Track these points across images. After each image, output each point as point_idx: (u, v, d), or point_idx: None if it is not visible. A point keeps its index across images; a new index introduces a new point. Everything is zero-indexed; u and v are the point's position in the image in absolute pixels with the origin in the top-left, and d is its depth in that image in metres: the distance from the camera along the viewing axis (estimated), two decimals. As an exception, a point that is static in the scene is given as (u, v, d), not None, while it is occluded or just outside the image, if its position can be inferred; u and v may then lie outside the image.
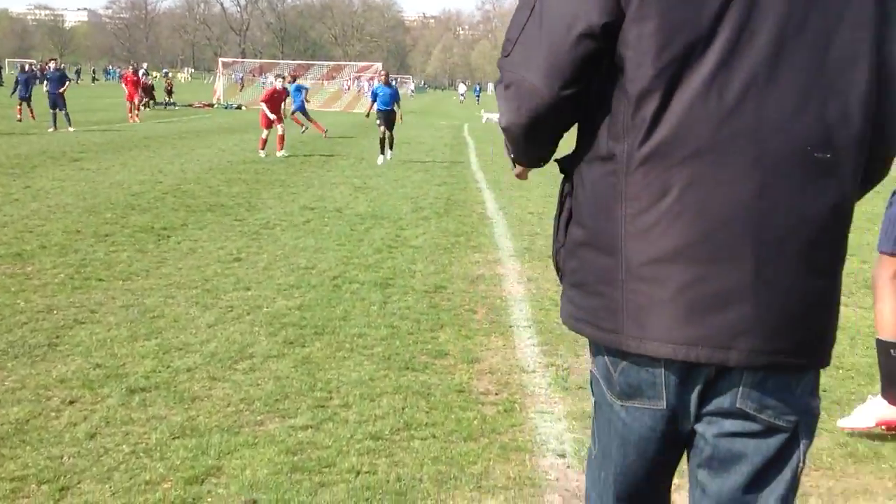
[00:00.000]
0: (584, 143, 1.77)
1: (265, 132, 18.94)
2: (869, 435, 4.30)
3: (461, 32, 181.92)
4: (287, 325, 5.91)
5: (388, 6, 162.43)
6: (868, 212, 12.94)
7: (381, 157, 18.13)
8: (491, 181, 15.60)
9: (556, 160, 1.89)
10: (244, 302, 6.52)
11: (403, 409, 4.48)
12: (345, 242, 9.17)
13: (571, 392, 4.82)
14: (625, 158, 1.65)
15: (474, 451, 3.99)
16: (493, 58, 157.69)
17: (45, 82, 26.92)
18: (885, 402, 4.28)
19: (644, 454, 1.81)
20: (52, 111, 24.01)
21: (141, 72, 39.49)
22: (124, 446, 3.91)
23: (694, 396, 1.71)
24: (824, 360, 1.74)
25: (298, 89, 26.17)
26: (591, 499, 1.96)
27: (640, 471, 1.84)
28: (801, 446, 1.74)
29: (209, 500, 3.45)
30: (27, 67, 32.76)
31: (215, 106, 45.68)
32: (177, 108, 41.86)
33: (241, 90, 56.87)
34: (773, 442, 1.72)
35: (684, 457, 1.87)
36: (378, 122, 18.51)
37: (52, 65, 27.49)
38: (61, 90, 24.41)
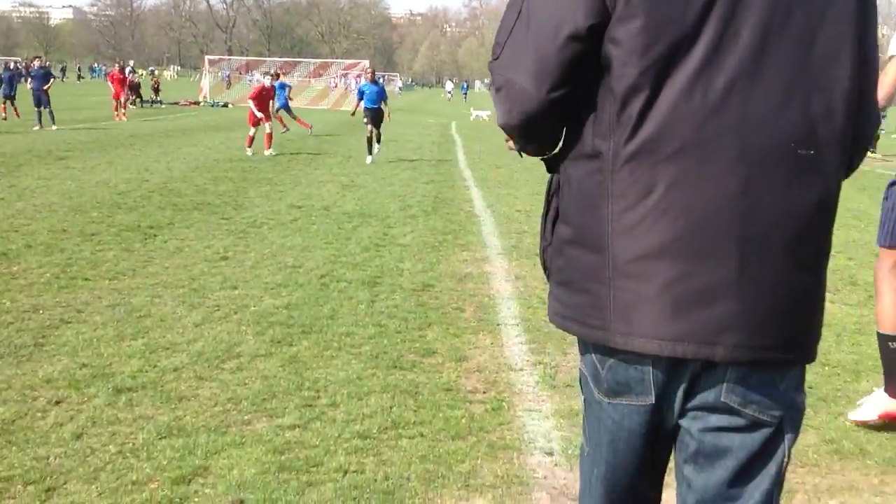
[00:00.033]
0: (570, 141, 1.77)
1: (252, 130, 18.89)
2: (854, 431, 4.32)
3: (448, 29, 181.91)
4: (274, 324, 5.90)
5: (374, 3, 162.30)
6: (854, 209, 13.02)
7: (369, 157, 18.03)
8: (479, 179, 15.60)
9: (542, 159, 1.89)
10: (231, 301, 6.51)
11: (391, 407, 4.48)
12: (332, 241, 9.16)
13: (559, 390, 4.83)
14: (611, 156, 1.66)
15: (462, 449, 3.99)
16: (480, 55, 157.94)
17: (30, 80, 26.78)
18: (886, 395, 4.35)
19: (635, 450, 1.82)
20: (36, 109, 23.89)
21: (127, 70, 39.27)
22: (111, 446, 3.90)
23: (680, 392, 1.73)
24: (810, 356, 1.76)
25: (282, 87, 26.08)
26: (584, 495, 1.96)
27: (630, 467, 1.85)
28: (787, 441, 1.75)
29: (196, 500, 3.44)
30: (11, 65, 32.59)
31: (201, 104, 45.51)
32: (163, 106, 41.69)
33: (227, 88, 56.67)
34: (758, 436, 1.73)
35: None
36: (365, 120, 18.36)
37: (36, 63, 27.33)
38: (46, 87, 24.29)
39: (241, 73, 68.70)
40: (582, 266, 1.73)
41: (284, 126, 25.28)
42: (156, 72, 53.44)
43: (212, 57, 63.39)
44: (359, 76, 48.98)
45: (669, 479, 1.90)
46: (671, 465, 1.91)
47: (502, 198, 13.12)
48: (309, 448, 3.94)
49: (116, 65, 39.73)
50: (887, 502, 3.63)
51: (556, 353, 5.46)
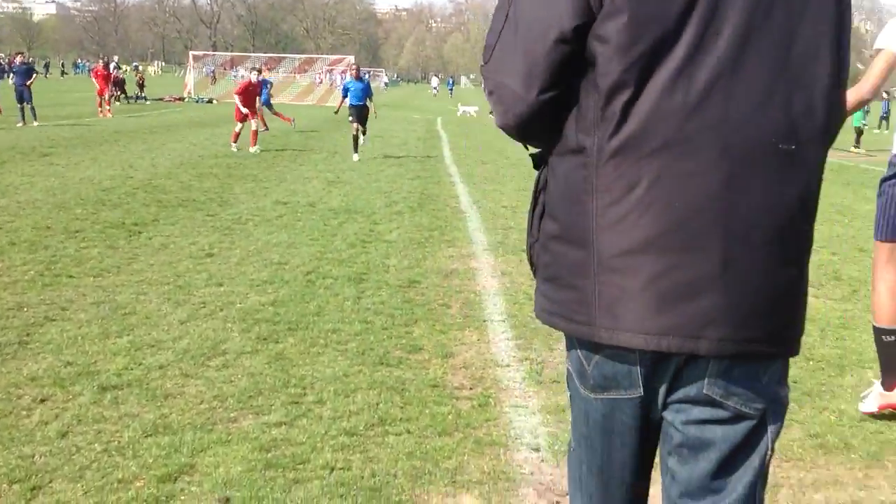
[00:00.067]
0: (556, 136, 1.78)
1: (239, 126, 18.83)
2: (839, 426, 4.35)
3: (433, 25, 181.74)
4: (260, 321, 5.89)
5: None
6: (838, 204, 13.10)
7: (355, 155, 17.81)
8: (464, 175, 15.61)
9: (530, 155, 1.91)
10: (217, 298, 6.49)
11: (378, 404, 4.48)
12: (318, 237, 9.14)
13: (546, 386, 4.84)
14: (595, 151, 1.67)
15: (449, 445, 4.00)
16: (465, 50, 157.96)
17: (12, 76, 26.61)
18: (881, 388, 4.42)
19: (625, 443, 1.83)
20: (19, 105, 23.78)
21: (112, 65, 39.03)
22: (96, 445, 3.88)
23: (664, 385, 1.74)
24: (793, 349, 1.77)
25: (263, 83, 25.98)
26: (573, 493, 1.97)
27: (621, 460, 1.85)
28: (770, 434, 1.77)
29: (182, 498, 3.43)
30: (-6, 61, 32.34)
31: (186, 100, 45.38)
32: (147, 102, 41.51)
33: (212, 83, 56.48)
34: (741, 429, 1.74)
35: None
36: (350, 118, 18.19)
37: (18, 59, 27.17)
38: (28, 83, 24.16)
39: (225, 69, 68.37)
40: (567, 262, 1.74)
41: (265, 125, 25.17)
42: (140, 67, 53.19)
43: (196, 52, 63.18)
44: (344, 72, 48.88)
45: (656, 475, 1.91)
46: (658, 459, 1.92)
47: (488, 194, 13.13)
48: (295, 445, 3.94)
49: (100, 61, 39.48)
50: (871, 496, 3.65)
51: (543, 349, 5.47)
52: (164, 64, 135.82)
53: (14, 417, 4.16)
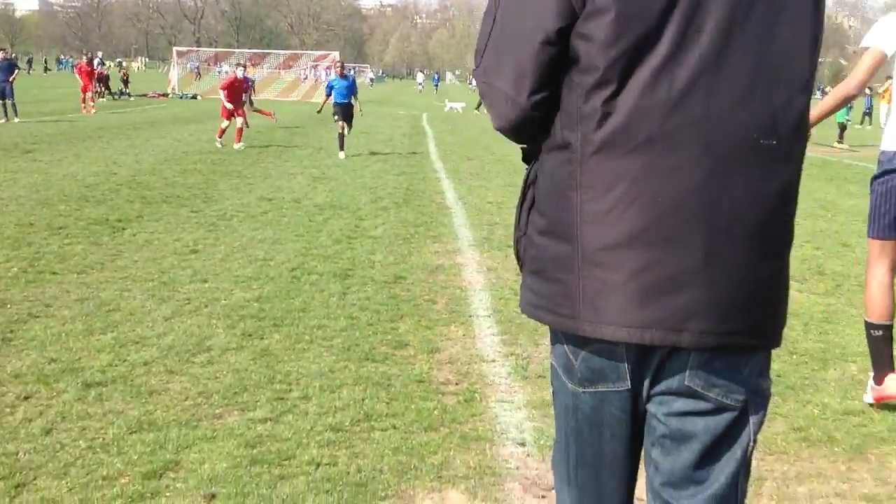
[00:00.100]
0: (547, 134, 1.81)
1: (226, 123, 18.74)
2: (822, 419, 4.38)
3: (419, 21, 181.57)
4: (245, 318, 5.88)
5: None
6: (821, 199, 13.16)
7: (341, 153, 17.39)
8: (450, 171, 15.61)
9: (521, 148, 1.94)
10: (201, 294, 6.47)
11: (363, 400, 4.48)
12: (303, 233, 9.13)
13: (531, 381, 4.85)
14: (579, 147, 1.70)
15: (434, 441, 4.00)
16: (450, 46, 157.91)
17: (-6, 72, 26.42)
18: (872, 381, 4.54)
19: (614, 435, 1.84)
20: (1, 102, 23.62)
21: (96, 61, 38.75)
22: (81, 441, 3.87)
23: (648, 377, 1.77)
24: (774, 341, 1.80)
25: (246, 81, 25.87)
26: (560, 488, 1.97)
27: (610, 451, 1.87)
28: (751, 426, 1.79)
29: (167, 494, 3.43)
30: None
31: (170, 96, 45.16)
32: (131, 98, 41.31)
33: (196, 79, 56.25)
34: (723, 420, 1.76)
35: None
36: (336, 116, 17.80)
37: (0, 55, 26.95)
38: (10, 79, 24.02)
39: (209, 65, 68.18)
40: (553, 256, 1.76)
41: (247, 122, 25.05)
42: (124, 63, 52.89)
43: (180, 48, 62.82)
44: (329, 68, 48.76)
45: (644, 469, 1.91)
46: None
47: (474, 189, 13.14)
48: (281, 441, 3.93)
49: (84, 57, 39.23)
50: (854, 489, 3.68)
51: (528, 344, 5.48)
52: (147, 60, 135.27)
53: (-3, 415, 4.14)
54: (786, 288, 1.80)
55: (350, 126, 18.07)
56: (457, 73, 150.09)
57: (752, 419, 1.79)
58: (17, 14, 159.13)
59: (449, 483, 3.60)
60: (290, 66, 66.24)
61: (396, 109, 40.74)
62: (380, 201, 11.63)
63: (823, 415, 4.45)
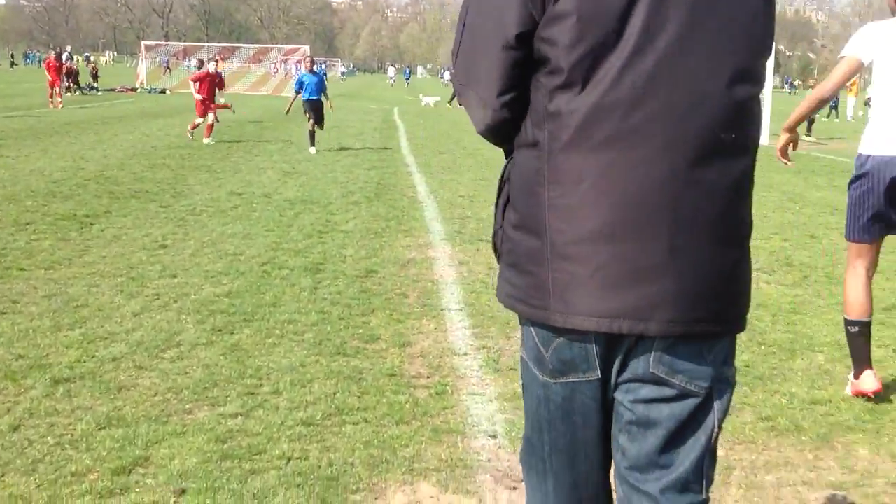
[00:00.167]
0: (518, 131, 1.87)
1: (199, 119, 18.56)
2: (790, 409, 4.43)
3: (389, 15, 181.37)
4: (215, 313, 5.85)
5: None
6: (789, 191, 13.28)
7: (312, 148, 17.19)
8: (422, 165, 15.60)
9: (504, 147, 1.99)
10: (171, 290, 6.42)
11: (335, 394, 4.47)
12: (273, 228, 9.09)
13: (503, 374, 4.86)
14: (546, 144, 1.76)
15: (406, 434, 4.00)
16: (421, 40, 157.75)
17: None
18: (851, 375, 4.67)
19: (587, 423, 1.87)
20: (-33, 96, 23.35)
21: (65, 56, 38.22)
22: (49, 438, 3.83)
23: (616, 366, 1.81)
24: (738, 326, 1.85)
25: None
26: (535, 482, 1.99)
27: (583, 439, 1.89)
28: (716, 412, 1.83)
29: (137, 490, 3.40)
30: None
31: (139, 90, 44.80)
32: (99, 93, 40.89)
33: (165, 73, 55.79)
34: (687, 407, 1.81)
35: None
36: (307, 113, 17.42)
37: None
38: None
39: (178, 59, 67.53)
40: (525, 249, 1.81)
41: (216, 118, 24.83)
42: (92, 58, 52.34)
43: (148, 42, 62.37)
44: (299, 62, 48.54)
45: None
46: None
47: (445, 183, 13.13)
48: (252, 436, 3.92)
49: (53, 52, 38.76)
50: (821, 477, 3.72)
51: (500, 337, 5.49)
52: (115, 54, 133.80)
53: (-37, 412, 4.09)
54: (748, 273, 1.85)
55: (322, 125, 17.74)
56: (428, 66, 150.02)
57: (717, 405, 1.83)
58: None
59: (420, 476, 3.61)
60: (260, 61, 65.75)
61: (367, 104, 40.64)
62: (351, 195, 11.60)
63: (791, 404, 4.49)
